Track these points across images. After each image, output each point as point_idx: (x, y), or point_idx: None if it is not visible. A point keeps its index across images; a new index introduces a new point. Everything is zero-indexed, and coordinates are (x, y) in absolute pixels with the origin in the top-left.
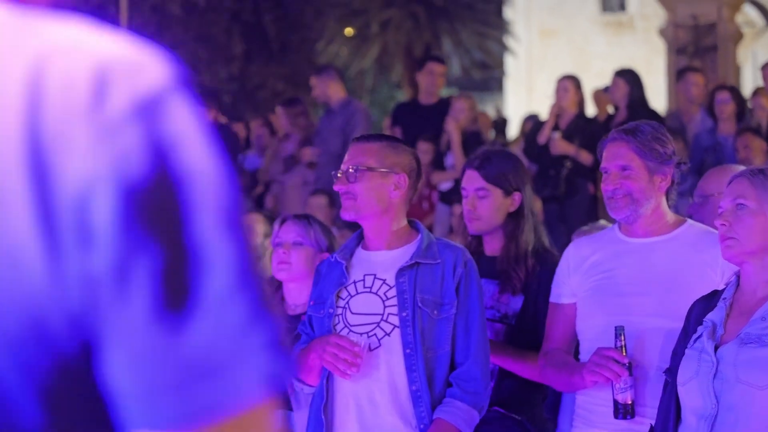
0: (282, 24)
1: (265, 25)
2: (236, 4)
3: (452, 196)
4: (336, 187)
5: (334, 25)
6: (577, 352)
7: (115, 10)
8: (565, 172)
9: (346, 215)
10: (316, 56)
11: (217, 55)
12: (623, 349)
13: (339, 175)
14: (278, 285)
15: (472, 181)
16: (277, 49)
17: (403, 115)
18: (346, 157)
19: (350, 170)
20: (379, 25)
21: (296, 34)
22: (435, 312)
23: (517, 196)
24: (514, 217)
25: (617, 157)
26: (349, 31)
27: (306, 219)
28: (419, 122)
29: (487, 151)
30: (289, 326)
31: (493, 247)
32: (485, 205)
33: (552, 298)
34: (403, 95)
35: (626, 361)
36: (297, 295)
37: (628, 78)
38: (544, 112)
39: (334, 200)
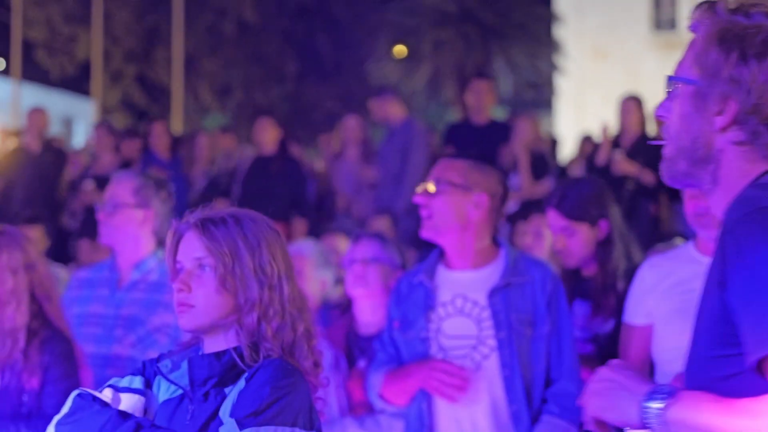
0: (335, 44)
1: (318, 45)
2: (290, 24)
3: (516, 217)
4: (416, 200)
5: (387, 45)
6: (651, 374)
7: (170, 30)
8: (627, 193)
9: (426, 233)
10: (368, 76)
11: (270, 74)
12: None
13: (421, 188)
14: (348, 304)
15: (556, 220)
16: (330, 69)
17: (455, 135)
18: (433, 169)
19: (432, 185)
20: (431, 45)
21: (349, 54)
22: (529, 331)
23: (603, 224)
24: (604, 245)
25: None
26: (400, 50)
27: (381, 236)
28: (471, 142)
29: (563, 186)
30: (362, 345)
31: (587, 269)
32: (574, 242)
33: (626, 319)
34: (454, 115)
35: None
36: (369, 314)
37: None
38: (595, 132)
39: (396, 221)
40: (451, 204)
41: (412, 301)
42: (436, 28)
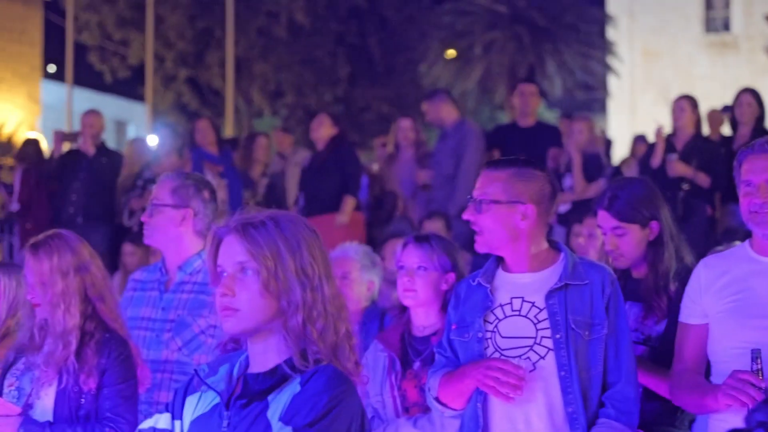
0: (386, 46)
1: (369, 47)
2: (341, 27)
3: (570, 217)
4: (465, 217)
5: (438, 47)
6: (707, 374)
7: (221, 33)
8: (682, 195)
9: (480, 248)
10: (419, 78)
11: (322, 77)
12: (760, 372)
13: (470, 203)
14: (403, 306)
15: (606, 221)
16: (382, 72)
17: (502, 138)
18: (477, 183)
19: (477, 201)
20: (483, 47)
21: (400, 56)
22: (587, 333)
23: (654, 225)
24: (655, 246)
25: (764, 169)
26: (451, 53)
27: (428, 241)
28: (517, 144)
29: (614, 187)
30: (417, 347)
31: (638, 270)
32: (625, 243)
33: (682, 318)
34: (505, 117)
35: (764, 385)
36: (424, 317)
37: (755, 95)
38: (648, 133)
39: (450, 223)
40: (497, 220)
41: (470, 303)
42: (488, 29)
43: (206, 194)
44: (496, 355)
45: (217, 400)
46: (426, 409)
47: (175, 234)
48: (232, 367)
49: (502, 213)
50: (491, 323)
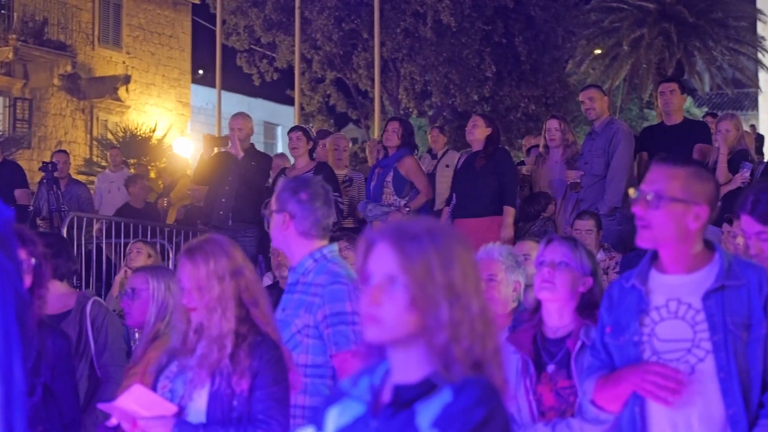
0: (533, 45)
1: (516, 46)
2: (487, 26)
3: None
4: (634, 210)
5: (585, 45)
6: None
7: (368, 35)
8: None
9: (642, 242)
10: (566, 77)
11: (468, 77)
12: None
13: (636, 195)
14: (536, 307)
15: (750, 225)
16: (528, 70)
17: (650, 137)
18: (648, 177)
19: (652, 196)
20: (630, 44)
21: (547, 54)
22: (745, 334)
23: None
24: None
25: None
26: (599, 50)
27: (573, 241)
28: (666, 143)
29: (756, 190)
30: (550, 349)
31: None
32: None
33: None
34: (653, 115)
35: None
36: (557, 317)
37: None
38: None
39: (600, 223)
40: (671, 218)
41: (624, 305)
42: (635, 26)
43: (303, 195)
44: (654, 358)
45: (360, 410)
46: (562, 413)
47: (283, 237)
48: (373, 377)
49: (677, 211)
50: (647, 326)
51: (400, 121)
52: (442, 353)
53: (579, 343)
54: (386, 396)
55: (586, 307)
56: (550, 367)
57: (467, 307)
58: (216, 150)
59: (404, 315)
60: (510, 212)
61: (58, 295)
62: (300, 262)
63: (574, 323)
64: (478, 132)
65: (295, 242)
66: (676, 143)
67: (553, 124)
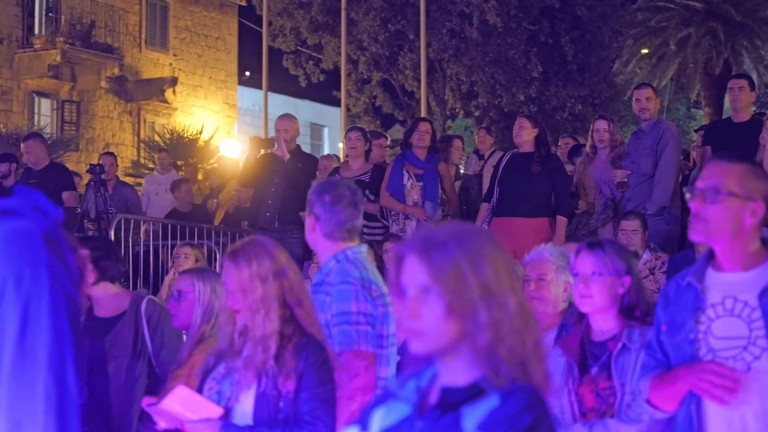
0: (579, 45)
1: (562, 46)
2: (533, 27)
3: None
4: (691, 204)
5: (632, 45)
6: None
7: (414, 36)
8: None
9: (696, 237)
10: (613, 76)
11: (514, 77)
12: None
13: (693, 191)
14: (582, 313)
15: None
16: (575, 70)
17: (717, 132)
18: (704, 173)
19: (709, 191)
20: (677, 43)
21: (593, 54)
22: None
23: None
24: None
25: None
26: (645, 50)
27: (600, 247)
28: (731, 140)
29: None
30: (596, 353)
31: None
32: None
33: None
34: (701, 114)
35: None
36: (602, 322)
37: None
38: None
39: (646, 223)
40: (728, 213)
41: (680, 303)
42: (682, 25)
43: (327, 198)
44: (709, 356)
45: (406, 412)
46: (602, 414)
47: (312, 239)
48: (420, 380)
49: (734, 207)
50: (703, 324)
51: (430, 122)
52: (488, 355)
53: (620, 345)
54: (433, 398)
55: (631, 308)
56: (593, 370)
57: (504, 306)
58: (262, 151)
59: (443, 324)
60: (563, 223)
61: (111, 296)
62: (325, 263)
63: (619, 326)
64: (525, 134)
65: (322, 244)
66: (741, 141)
67: (601, 124)
